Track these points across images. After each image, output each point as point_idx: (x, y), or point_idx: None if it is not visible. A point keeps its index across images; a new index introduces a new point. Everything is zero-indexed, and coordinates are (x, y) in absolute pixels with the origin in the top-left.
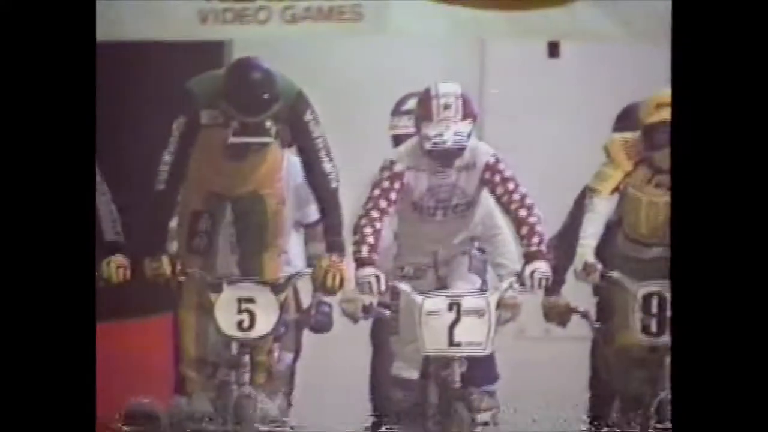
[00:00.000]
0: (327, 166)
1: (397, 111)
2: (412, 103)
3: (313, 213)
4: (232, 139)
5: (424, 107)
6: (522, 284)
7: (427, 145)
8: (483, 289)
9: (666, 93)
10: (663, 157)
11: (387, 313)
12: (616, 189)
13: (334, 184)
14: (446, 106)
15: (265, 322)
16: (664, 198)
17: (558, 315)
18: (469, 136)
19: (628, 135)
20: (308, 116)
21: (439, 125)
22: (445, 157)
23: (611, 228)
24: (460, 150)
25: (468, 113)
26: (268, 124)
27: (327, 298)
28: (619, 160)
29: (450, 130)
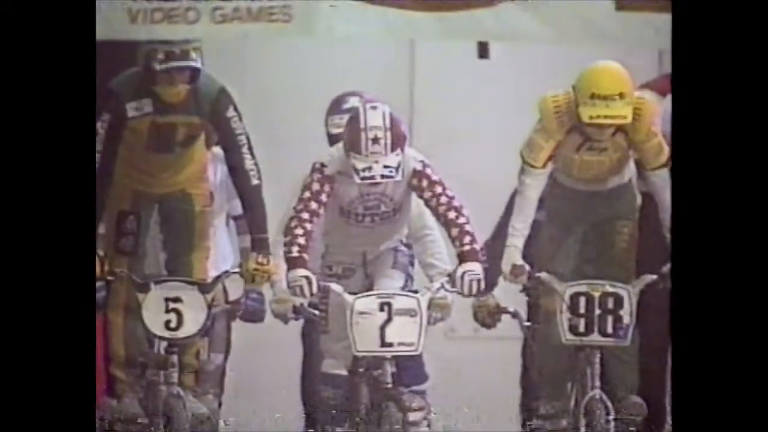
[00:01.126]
0: (249, 164)
1: (337, 110)
2: (353, 102)
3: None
4: (159, 66)
5: (352, 138)
6: (453, 285)
7: (356, 178)
8: (406, 286)
9: (601, 75)
10: (594, 131)
11: (317, 313)
12: (549, 159)
13: (255, 182)
14: (375, 140)
15: (193, 322)
16: (597, 158)
17: (488, 315)
18: (398, 168)
19: (560, 94)
20: (230, 113)
21: (367, 159)
22: None
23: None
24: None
25: (397, 143)
26: (194, 55)
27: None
28: (552, 128)
29: (379, 165)
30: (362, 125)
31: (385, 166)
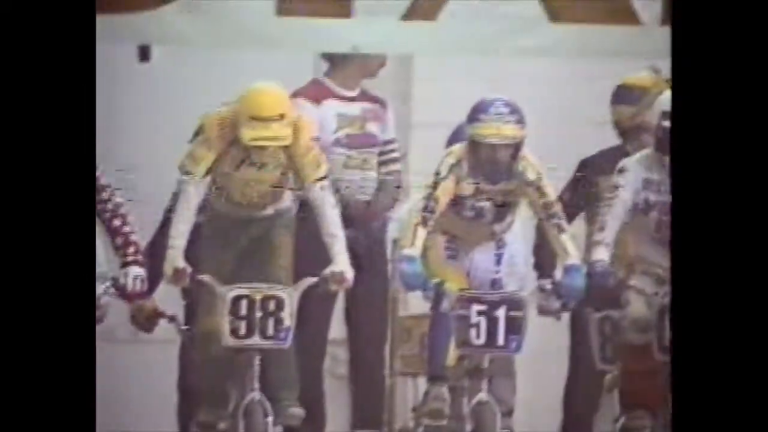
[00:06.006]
0: None
1: None
2: None
3: None
4: None
5: None
6: (117, 288)
7: None
8: None
9: (258, 96)
10: (256, 154)
11: None
12: (209, 171)
13: None
14: None
15: None
16: (257, 176)
17: (145, 319)
18: None
19: (224, 111)
20: None
21: None
22: None
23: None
24: None
25: None
26: None
27: None
28: (213, 139)
29: None
30: None
31: None
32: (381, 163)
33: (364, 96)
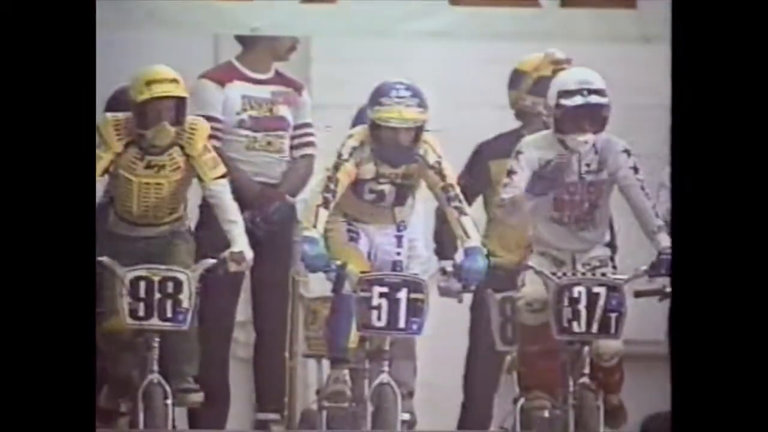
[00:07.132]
0: None
1: None
2: None
3: None
4: None
5: None
6: None
7: None
8: None
9: (151, 69)
10: (153, 135)
11: None
12: (106, 171)
13: None
14: None
15: None
16: (155, 180)
17: None
18: None
19: (120, 115)
20: None
21: None
22: None
23: (103, 208)
24: None
25: None
26: None
27: None
28: (110, 140)
29: None
30: None
31: None
32: (293, 147)
33: (278, 79)
